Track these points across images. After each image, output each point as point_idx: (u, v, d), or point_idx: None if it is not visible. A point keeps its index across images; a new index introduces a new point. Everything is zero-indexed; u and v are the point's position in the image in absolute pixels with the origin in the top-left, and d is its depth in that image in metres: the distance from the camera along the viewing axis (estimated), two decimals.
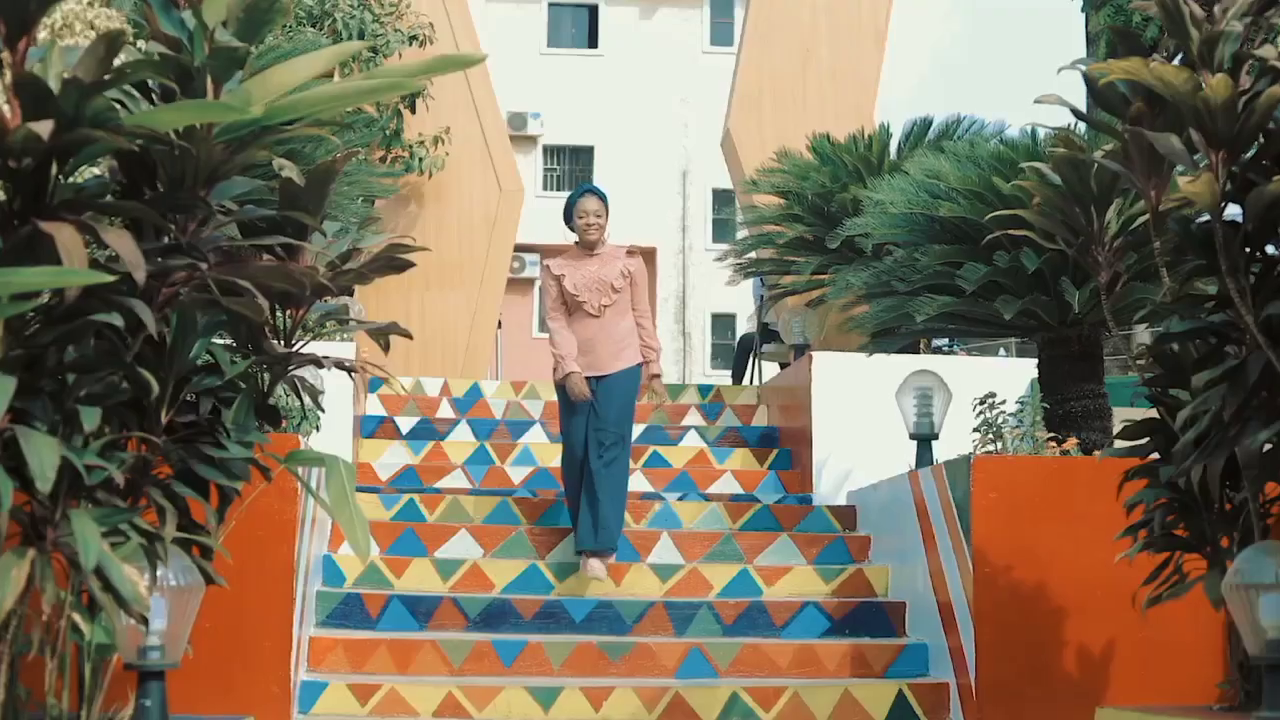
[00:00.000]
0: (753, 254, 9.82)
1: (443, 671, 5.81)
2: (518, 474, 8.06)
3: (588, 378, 6.59)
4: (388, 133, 10.12)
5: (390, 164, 10.14)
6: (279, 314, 4.00)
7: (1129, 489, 4.41)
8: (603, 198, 6.86)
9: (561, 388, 6.68)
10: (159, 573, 3.37)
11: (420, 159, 10.30)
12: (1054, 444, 6.09)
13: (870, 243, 8.00)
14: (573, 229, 6.85)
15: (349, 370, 4.12)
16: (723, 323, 28.02)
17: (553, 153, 28.30)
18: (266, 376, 3.95)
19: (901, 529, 6.49)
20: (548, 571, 6.55)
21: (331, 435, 7.26)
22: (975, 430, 6.26)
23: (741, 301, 24.26)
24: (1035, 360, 8.25)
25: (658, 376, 6.88)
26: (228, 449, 3.69)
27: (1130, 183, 4.09)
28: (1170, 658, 5.39)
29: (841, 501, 7.72)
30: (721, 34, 28.53)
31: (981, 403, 6.27)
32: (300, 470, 4.57)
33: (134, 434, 3.37)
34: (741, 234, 10.18)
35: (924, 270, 6.34)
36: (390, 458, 8.29)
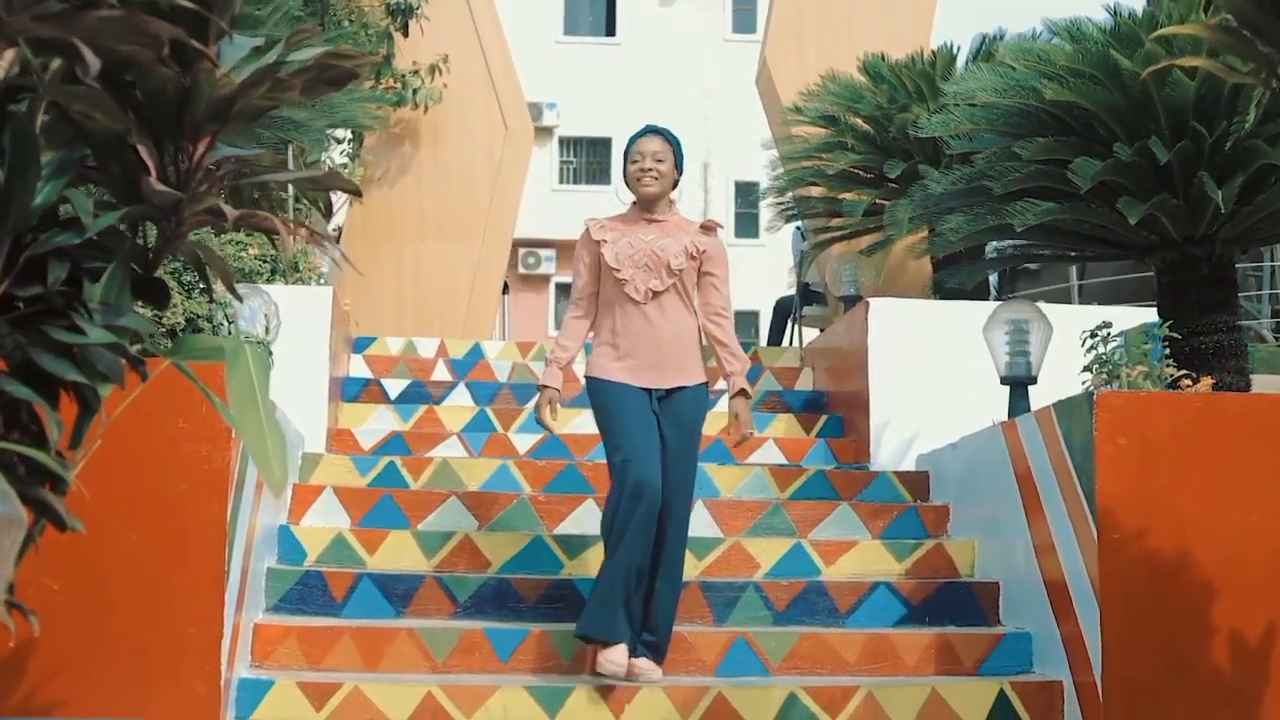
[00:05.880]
0: (791, 194, 8.56)
1: (422, 667, 4.64)
2: (523, 442, 6.87)
3: (647, 390, 4.65)
4: (376, 58, 8.87)
5: (380, 94, 8.85)
6: (173, 154, 2.83)
7: None
8: (671, 140, 4.79)
9: (603, 389, 4.67)
10: None
11: (414, 90, 8.97)
12: (1188, 382, 4.89)
13: (939, 169, 6.81)
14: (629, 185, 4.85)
15: (269, 234, 2.95)
16: (746, 320, 27.01)
17: (569, 144, 27.60)
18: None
19: (993, 493, 5.29)
20: (555, 546, 5.33)
21: (300, 396, 6.20)
22: (1085, 369, 5.06)
23: (769, 295, 23.17)
24: (1127, 307, 7.10)
25: (745, 396, 4.77)
26: (87, 334, 2.52)
27: None
28: None
29: (909, 467, 6.49)
30: (744, 21, 27.75)
31: (1093, 335, 5.06)
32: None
33: None
34: (776, 173, 8.90)
35: (1022, 170, 5.10)
36: (375, 423, 7.13)
